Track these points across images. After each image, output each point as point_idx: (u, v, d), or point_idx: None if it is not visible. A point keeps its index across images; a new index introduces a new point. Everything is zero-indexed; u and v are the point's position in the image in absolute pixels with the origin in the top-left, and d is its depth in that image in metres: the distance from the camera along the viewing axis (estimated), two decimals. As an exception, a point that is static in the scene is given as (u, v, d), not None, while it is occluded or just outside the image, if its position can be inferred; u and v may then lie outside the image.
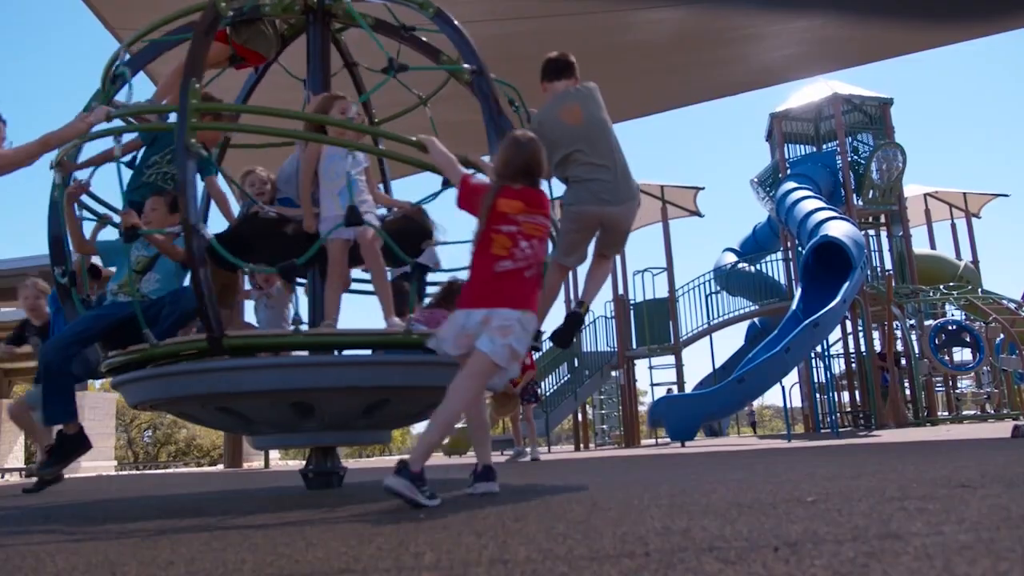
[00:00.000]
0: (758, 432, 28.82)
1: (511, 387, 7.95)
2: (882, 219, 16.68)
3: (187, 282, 3.86)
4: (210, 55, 3.96)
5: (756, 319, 17.78)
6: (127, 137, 3.88)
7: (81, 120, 3.23)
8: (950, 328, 13.89)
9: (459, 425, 19.49)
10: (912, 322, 14.52)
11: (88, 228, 4.14)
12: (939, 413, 14.66)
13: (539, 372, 16.80)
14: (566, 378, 17.05)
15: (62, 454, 3.86)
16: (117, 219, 3.90)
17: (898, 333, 14.65)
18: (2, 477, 17.01)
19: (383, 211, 4.13)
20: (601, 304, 17.46)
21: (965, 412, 14.35)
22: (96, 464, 14.74)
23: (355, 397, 3.46)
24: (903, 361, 14.28)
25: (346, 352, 3.69)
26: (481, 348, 2.51)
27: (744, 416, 27.21)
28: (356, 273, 4.46)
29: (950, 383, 15.29)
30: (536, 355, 16.84)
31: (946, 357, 13.97)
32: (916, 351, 13.82)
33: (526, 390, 8.74)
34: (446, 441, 18.38)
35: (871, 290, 14.58)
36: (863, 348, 14.83)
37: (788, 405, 12.32)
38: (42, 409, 3.69)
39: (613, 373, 16.99)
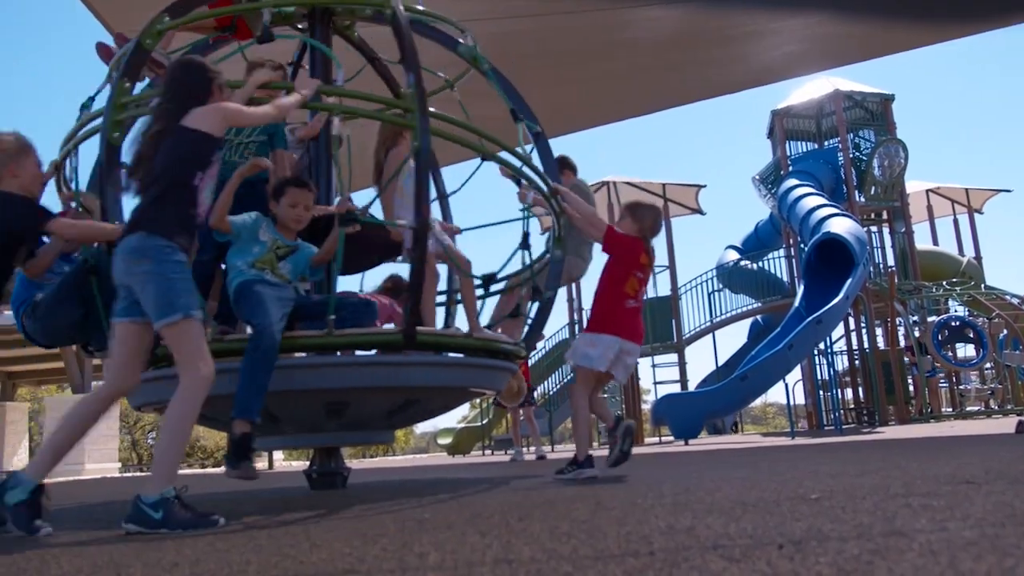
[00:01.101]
0: (744, 430, 28.66)
1: (522, 384, 8.24)
2: (884, 215, 16.64)
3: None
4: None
5: (759, 316, 17.74)
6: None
7: (299, 94, 3.21)
8: (953, 324, 13.87)
9: (460, 426, 19.43)
10: (915, 318, 14.49)
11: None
12: (943, 409, 14.63)
13: (542, 371, 16.85)
14: (569, 377, 17.03)
15: (247, 452, 2.91)
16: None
17: (901, 329, 14.64)
18: (6, 479, 17.00)
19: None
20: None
21: (969, 408, 14.31)
22: (100, 466, 14.76)
23: (456, 395, 3.85)
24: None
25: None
26: (618, 377, 3.52)
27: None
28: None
29: (954, 379, 15.25)
30: (540, 354, 16.90)
31: (949, 353, 13.94)
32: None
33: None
34: (448, 441, 18.40)
35: (874, 287, 14.55)
36: (866, 345, 14.81)
37: (791, 402, 12.29)
38: (245, 398, 2.86)
39: (616, 372, 16.95)
